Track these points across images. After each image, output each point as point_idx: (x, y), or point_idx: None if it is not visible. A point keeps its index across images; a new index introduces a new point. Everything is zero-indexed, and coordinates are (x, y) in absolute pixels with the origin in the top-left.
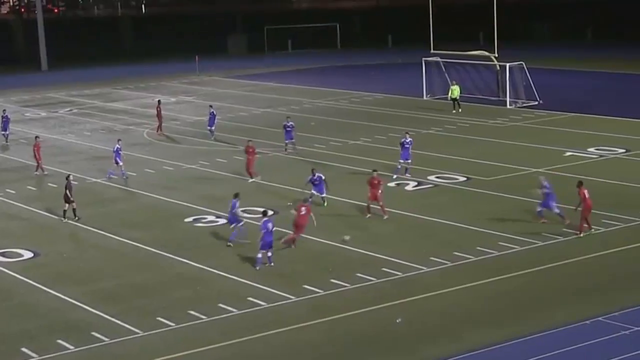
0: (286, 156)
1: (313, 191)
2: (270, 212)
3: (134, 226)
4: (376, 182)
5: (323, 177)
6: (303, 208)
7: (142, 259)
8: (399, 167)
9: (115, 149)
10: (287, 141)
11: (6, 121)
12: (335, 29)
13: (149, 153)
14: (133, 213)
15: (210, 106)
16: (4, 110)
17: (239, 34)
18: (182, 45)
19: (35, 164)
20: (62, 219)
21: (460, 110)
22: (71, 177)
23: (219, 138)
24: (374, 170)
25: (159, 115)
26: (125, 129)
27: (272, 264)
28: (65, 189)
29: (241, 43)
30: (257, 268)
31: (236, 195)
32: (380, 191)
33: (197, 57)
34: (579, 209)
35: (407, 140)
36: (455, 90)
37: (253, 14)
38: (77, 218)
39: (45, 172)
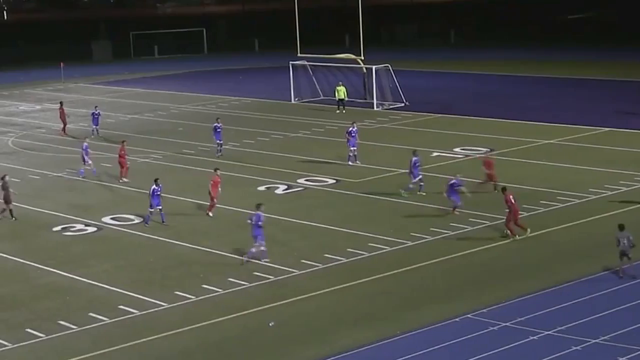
0: (157, 163)
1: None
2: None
3: (0, 237)
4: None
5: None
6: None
7: (8, 270)
8: (350, 154)
9: (83, 147)
10: (218, 141)
11: None
12: (201, 33)
13: (14, 162)
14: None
15: (96, 107)
16: None
17: (103, 40)
18: (45, 52)
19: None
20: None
21: (344, 111)
22: (7, 177)
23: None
24: (216, 169)
25: (62, 116)
26: None
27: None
28: (3, 189)
29: (106, 49)
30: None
31: (259, 206)
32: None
33: (61, 63)
34: (506, 210)
35: (354, 130)
36: (341, 91)
37: (118, 19)
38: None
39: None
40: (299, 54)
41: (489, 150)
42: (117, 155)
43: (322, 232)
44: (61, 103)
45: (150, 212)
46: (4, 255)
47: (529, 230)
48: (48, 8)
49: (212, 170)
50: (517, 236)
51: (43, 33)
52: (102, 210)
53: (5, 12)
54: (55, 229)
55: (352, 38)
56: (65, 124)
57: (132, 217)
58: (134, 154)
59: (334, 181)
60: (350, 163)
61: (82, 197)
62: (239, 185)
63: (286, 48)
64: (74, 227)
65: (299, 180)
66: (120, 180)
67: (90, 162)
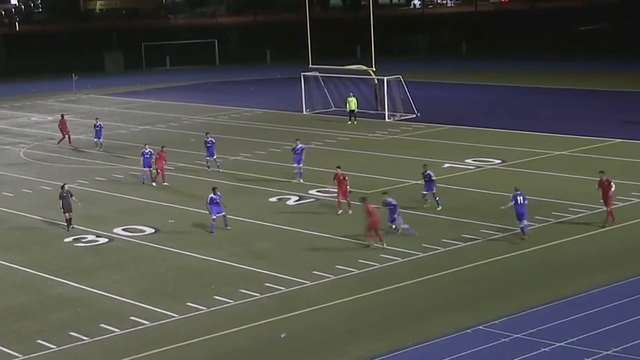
0: (169, 174)
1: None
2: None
3: (12, 247)
4: None
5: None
6: None
7: (20, 281)
8: (295, 171)
9: (144, 153)
10: (208, 158)
11: None
12: (213, 45)
13: (26, 173)
14: (10, 234)
15: (97, 119)
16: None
17: (115, 51)
18: (58, 63)
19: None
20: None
21: (355, 122)
22: (67, 187)
23: (97, 156)
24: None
25: (63, 127)
26: (1, 149)
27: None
28: (61, 198)
29: (118, 60)
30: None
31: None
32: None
33: (73, 75)
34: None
35: (298, 147)
36: (352, 102)
37: (129, 30)
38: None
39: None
40: (310, 65)
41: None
42: (155, 160)
43: (333, 243)
44: (62, 115)
45: (213, 219)
46: (16, 266)
47: (384, 243)
48: (60, 19)
49: (225, 182)
50: (372, 244)
51: (55, 44)
52: (113, 221)
53: (17, 24)
54: (66, 239)
55: (363, 49)
56: (67, 135)
57: (143, 228)
58: (139, 165)
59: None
60: (295, 181)
61: (93, 208)
62: (250, 196)
63: (297, 59)
64: (85, 238)
65: (310, 192)
66: (154, 184)
67: (150, 168)
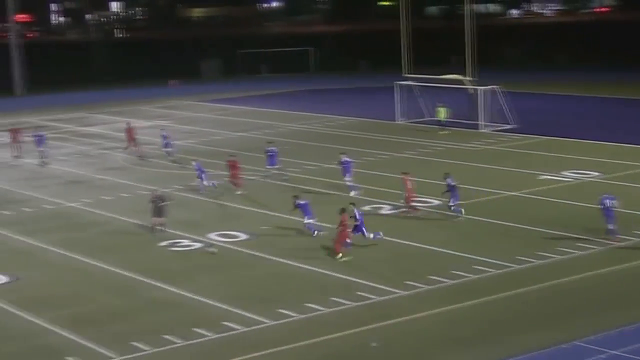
0: (263, 180)
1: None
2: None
3: (109, 250)
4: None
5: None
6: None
7: (116, 283)
8: (349, 184)
9: (197, 166)
10: (268, 167)
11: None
12: (308, 53)
13: (124, 177)
14: (109, 237)
15: (162, 129)
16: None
17: (212, 58)
18: (156, 70)
19: None
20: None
21: (447, 132)
22: (159, 192)
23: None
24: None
25: (130, 135)
26: (100, 154)
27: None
28: (153, 202)
29: (214, 67)
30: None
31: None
32: None
33: (171, 81)
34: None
35: (345, 161)
36: (441, 112)
37: (226, 38)
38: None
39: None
40: (405, 74)
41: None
42: (230, 170)
43: (426, 253)
44: (128, 123)
45: (308, 223)
46: (112, 269)
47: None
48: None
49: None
50: (337, 256)
51: (153, 51)
52: (208, 226)
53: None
54: (161, 244)
55: (458, 58)
56: (134, 143)
57: (238, 233)
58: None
59: (439, 202)
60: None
61: (189, 213)
62: (342, 203)
63: (392, 68)
64: (180, 242)
65: (402, 201)
66: (238, 192)
67: (205, 181)
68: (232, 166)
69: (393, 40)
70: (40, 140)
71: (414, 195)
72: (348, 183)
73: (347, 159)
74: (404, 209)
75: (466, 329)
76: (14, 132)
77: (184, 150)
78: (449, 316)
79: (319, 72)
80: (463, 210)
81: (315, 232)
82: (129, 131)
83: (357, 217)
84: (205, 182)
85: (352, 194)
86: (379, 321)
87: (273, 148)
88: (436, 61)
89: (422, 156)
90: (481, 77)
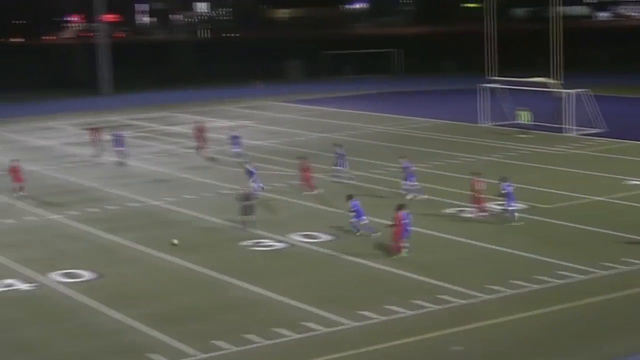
0: (345, 181)
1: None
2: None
3: (191, 248)
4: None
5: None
6: None
7: (198, 282)
8: (405, 188)
9: (249, 170)
10: (339, 167)
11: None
12: (392, 54)
13: (206, 176)
14: (191, 235)
15: (233, 130)
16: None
17: (296, 59)
18: (240, 70)
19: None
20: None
21: (528, 135)
22: (246, 191)
23: (274, 162)
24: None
25: (199, 135)
26: (185, 153)
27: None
28: (241, 201)
29: (298, 68)
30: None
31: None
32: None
33: (257, 82)
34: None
35: (406, 165)
36: (523, 115)
37: (310, 39)
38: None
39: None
40: (489, 77)
41: None
42: (301, 172)
43: (509, 257)
44: (199, 123)
45: (358, 223)
46: (193, 267)
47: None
48: (244, 27)
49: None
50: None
51: (239, 51)
52: (291, 226)
53: (203, 31)
54: (243, 243)
55: (544, 61)
56: (201, 144)
57: (320, 234)
58: (322, 172)
59: (525, 206)
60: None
61: (271, 213)
62: (425, 207)
63: (477, 70)
64: (262, 242)
65: (489, 205)
66: (313, 193)
67: (254, 183)
68: (304, 168)
69: (477, 42)
70: (118, 140)
71: (484, 197)
72: (406, 187)
73: (407, 164)
74: (473, 211)
75: (549, 335)
76: (94, 131)
77: (266, 150)
78: (532, 321)
79: (403, 74)
80: (516, 216)
81: (359, 232)
82: (199, 130)
83: (405, 218)
84: (254, 185)
85: (409, 197)
86: (460, 325)
87: (340, 150)
88: (521, 64)
89: (507, 159)
90: (568, 80)
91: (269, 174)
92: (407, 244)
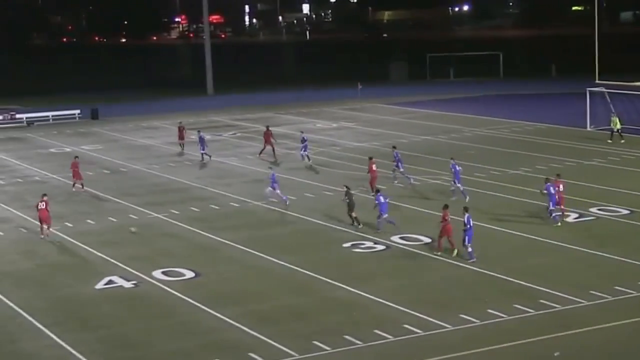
0: (447, 184)
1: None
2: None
3: (293, 249)
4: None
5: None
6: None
7: (298, 282)
8: (452, 189)
9: (271, 177)
10: (401, 169)
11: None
12: (497, 57)
13: (309, 177)
14: (292, 236)
15: (301, 132)
16: (199, 130)
17: (400, 61)
18: (343, 71)
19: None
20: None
21: (622, 141)
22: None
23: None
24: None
25: (268, 139)
26: (287, 154)
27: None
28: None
29: (403, 70)
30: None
31: (466, 210)
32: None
33: (359, 83)
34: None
35: (454, 166)
36: (617, 121)
37: (415, 41)
38: (360, 225)
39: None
40: (597, 80)
41: None
42: (370, 172)
43: (612, 263)
44: (267, 126)
45: (383, 218)
46: (295, 268)
47: (456, 251)
48: (348, 29)
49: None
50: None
51: (342, 53)
52: (391, 229)
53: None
54: (345, 244)
55: None
56: (271, 147)
57: (420, 237)
58: (422, 175)
59: (628, 212)
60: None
61: (372, 215)
62: (527, 210)
63: (584, 74)
64: (363, 244)
65: (591, 209)
66: (372, 194)
67: (276, 191)
68: (371, 169)
69: (585, 46)
70: (200, 141)
71: (563, 199)
72: (452, 188)
73: (456, 165)
74: (555, 212)
75: None
76: (180, 130)
77: (367, 152)
78: (635, 328)
79: (508, 77)
80: (558, 219)
81: (380, 230)
82: (267, 134)
83: (466, 222)
84: (278, 191)
85: (453, 199)
86: (562, 330)
87: (397, 152)
88: (632, 68)
89: (612, 164)
90: None
91: (365, 175)
92: (470, 247)
